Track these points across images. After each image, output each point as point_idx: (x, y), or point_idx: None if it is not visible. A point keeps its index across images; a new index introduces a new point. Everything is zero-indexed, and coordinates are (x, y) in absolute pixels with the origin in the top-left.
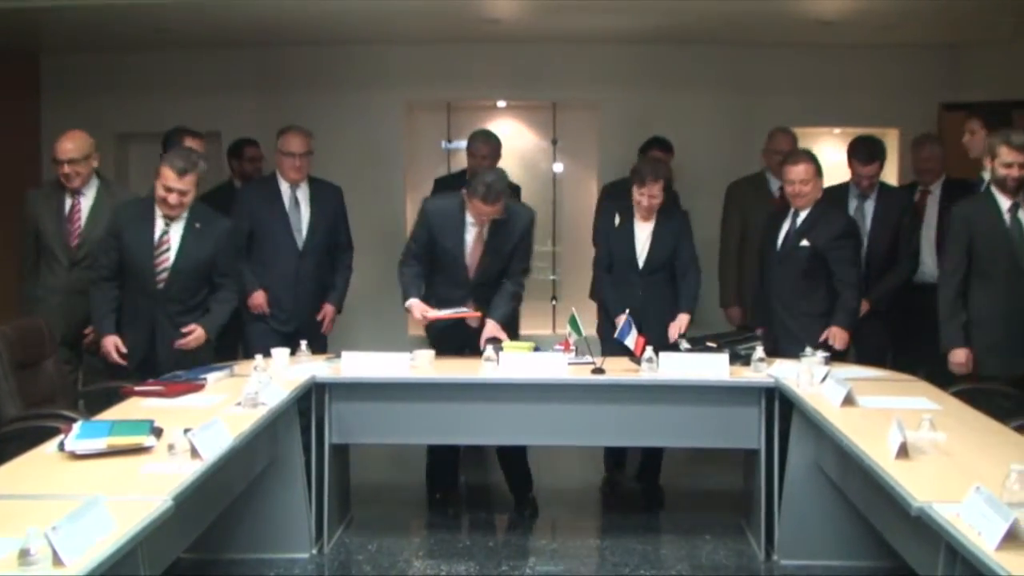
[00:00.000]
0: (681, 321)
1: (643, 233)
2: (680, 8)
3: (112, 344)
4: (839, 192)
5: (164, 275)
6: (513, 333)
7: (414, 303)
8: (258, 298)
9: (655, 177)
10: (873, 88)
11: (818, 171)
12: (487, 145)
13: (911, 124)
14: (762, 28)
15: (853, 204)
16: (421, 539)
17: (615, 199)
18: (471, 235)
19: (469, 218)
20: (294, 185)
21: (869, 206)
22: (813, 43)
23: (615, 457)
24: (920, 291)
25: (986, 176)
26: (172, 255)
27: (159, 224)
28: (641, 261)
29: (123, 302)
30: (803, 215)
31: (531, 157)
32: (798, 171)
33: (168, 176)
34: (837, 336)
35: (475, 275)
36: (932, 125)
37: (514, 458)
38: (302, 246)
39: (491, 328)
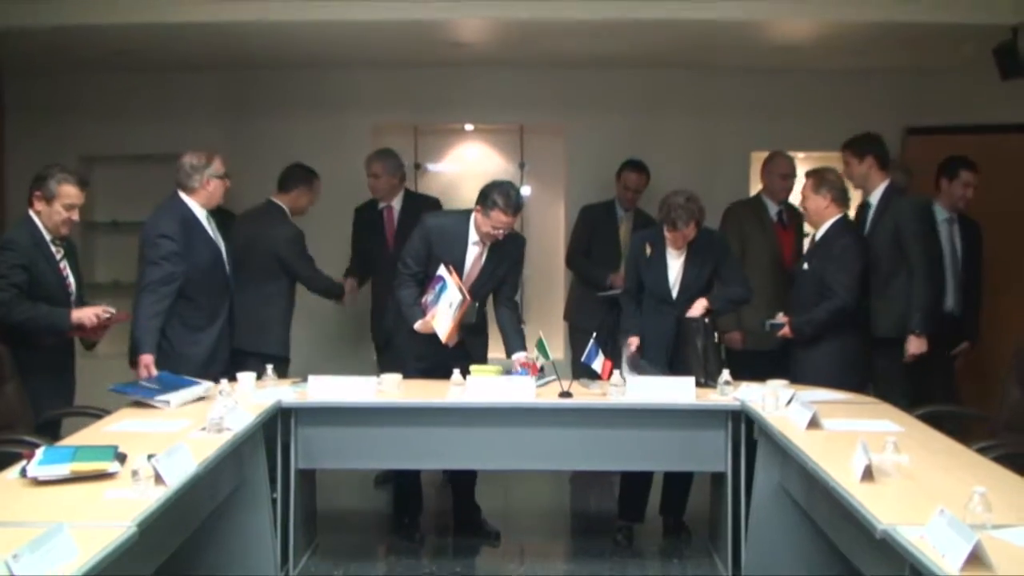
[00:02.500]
0: (698, 304)
1: (675, 263)
2: (647, 33)
3: None
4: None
5: (73, 300)
6: (483, 357)
7: (419, 325)
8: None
9: (686, 221)
10: (838, 112)
11: (820, 188)
12: (376, 163)
13: None
14: (729, 53)
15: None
16: (388, 565)
17: (590, 221)
18: (472, 255)
19: (473, 237)
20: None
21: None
22: (779, 68)
23: (634, 509)
24: None
25: (872, 201)
26: (71, 278)
27: (54, 250)
28: (675, 292)
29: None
30: (818, 237)
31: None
32: (802, 188)
33: (73, 193)
34: (786, 329)
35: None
36: (896, 149)
37: (463, 485)
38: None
39: (523, 359)
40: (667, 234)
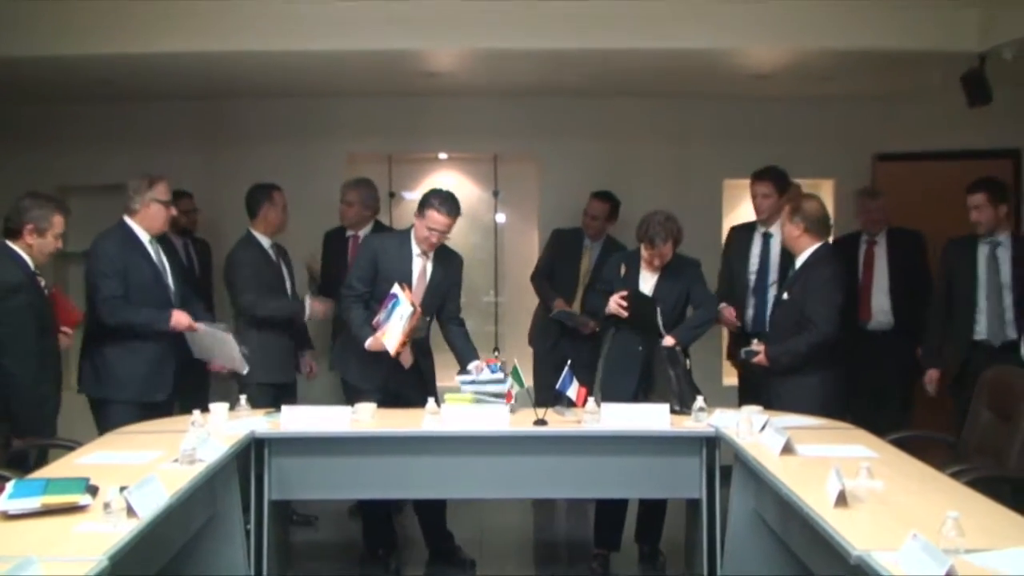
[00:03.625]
0: (668, 340)
1: (647, 285)
2: (618, 61)
3: None
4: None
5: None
6: (432, 385)
7: (370, 343)
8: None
9: (664, 239)
10: (808, 139)
11: (794, 218)
12: (351, 191)
13: (846, 174)
14: (699, 81)
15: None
16: None
17: (558, 244)
18: (417, 268)
19: (415, 250)
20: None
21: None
22: (749, 96)
23: (610, 537)
24: (872, 338)
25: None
26: None
27: (41, 281)
28: None
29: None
30: (798, 265)
31: (473, 209)
32: (783, 212)
33: (62, 222)
34: (761, 356)
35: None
36: (866, 175)
37: (433, 513)
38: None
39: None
40: (644, 252)
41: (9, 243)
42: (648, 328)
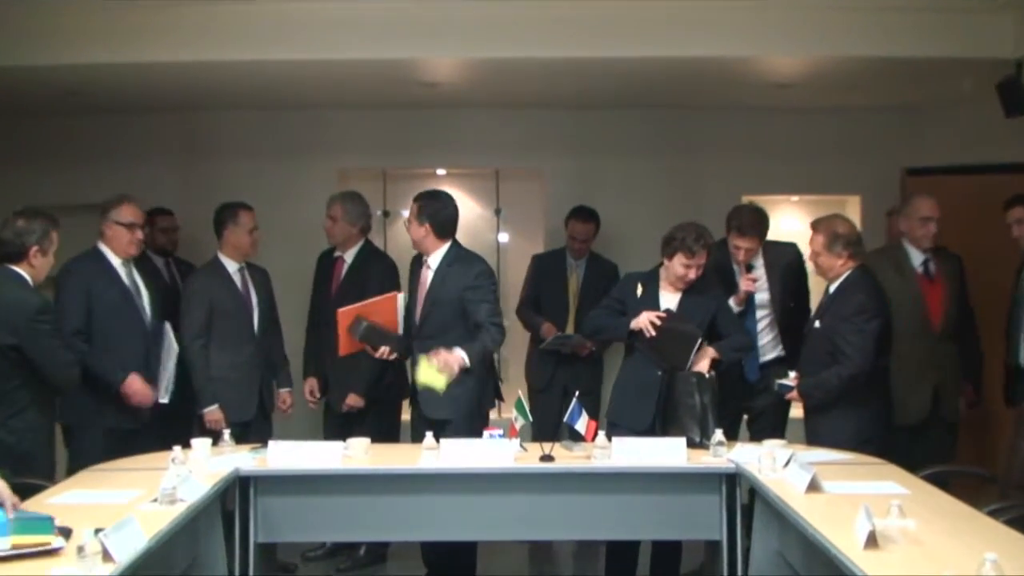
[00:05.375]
0: (705, 353)
1: (669, 305)
2: (628, 70)
3: None
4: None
5: None
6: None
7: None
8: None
9: (703, 248)
10: (833, 153)
11: (834, 246)
12: (335, 206)
13: (873, 190)
14: (714, 91)
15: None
16: None
17: (539, 270)
18: (424, 279)
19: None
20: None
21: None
22: (769, 107)
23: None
24: None
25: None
26: None
27: None
28: None
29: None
30: (831, 290)
31: (474, 227)
32: (811, 241)
33: (57, 238)
34: (794, 392)
35: (418, 322)
36: (895, 190)
37: (464, 554)
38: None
39: (455, 356)
40: (679, 266)
41: (12, 267)
42: (674, 361)
